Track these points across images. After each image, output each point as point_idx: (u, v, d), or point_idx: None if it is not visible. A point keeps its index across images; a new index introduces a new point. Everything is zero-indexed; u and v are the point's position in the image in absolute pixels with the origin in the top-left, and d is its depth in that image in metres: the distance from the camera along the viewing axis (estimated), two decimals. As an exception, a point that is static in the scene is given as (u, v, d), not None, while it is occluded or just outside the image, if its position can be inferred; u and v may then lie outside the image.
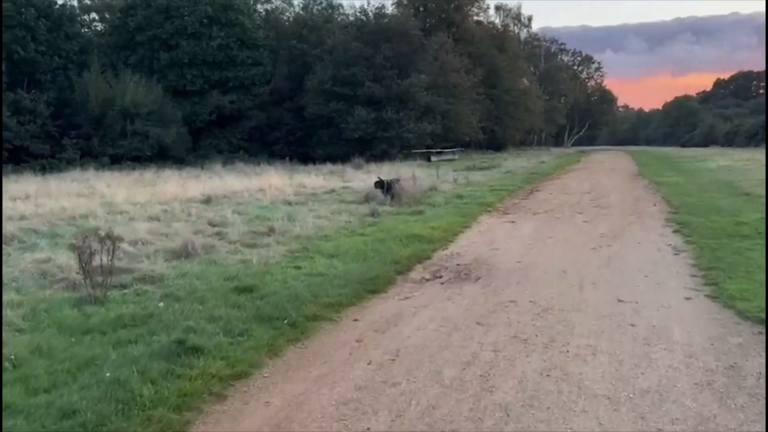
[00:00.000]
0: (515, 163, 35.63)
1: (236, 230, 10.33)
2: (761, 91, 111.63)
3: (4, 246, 9.09)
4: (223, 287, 6.88)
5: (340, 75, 39.57)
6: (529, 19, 68.06)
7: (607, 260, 8.30)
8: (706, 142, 79.20)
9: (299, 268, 7.86)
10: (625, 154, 53.45)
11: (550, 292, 6.79)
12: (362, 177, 24.80)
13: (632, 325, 5.72)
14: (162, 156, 37.52)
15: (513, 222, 11.64)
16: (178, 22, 40.61)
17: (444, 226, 10.88)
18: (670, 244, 9.22)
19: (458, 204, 13.97)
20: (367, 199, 15.09)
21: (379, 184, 15.05)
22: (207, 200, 15.47)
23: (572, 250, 9.06)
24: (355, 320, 5.97)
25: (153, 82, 39.15)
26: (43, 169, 32.81)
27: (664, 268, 7.85)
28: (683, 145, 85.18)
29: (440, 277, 7.69)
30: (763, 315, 5.65)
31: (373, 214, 12.62)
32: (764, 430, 3.80)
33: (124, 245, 9.13)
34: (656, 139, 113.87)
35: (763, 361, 4.74)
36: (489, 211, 13.17)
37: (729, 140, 72.34)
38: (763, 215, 11.17)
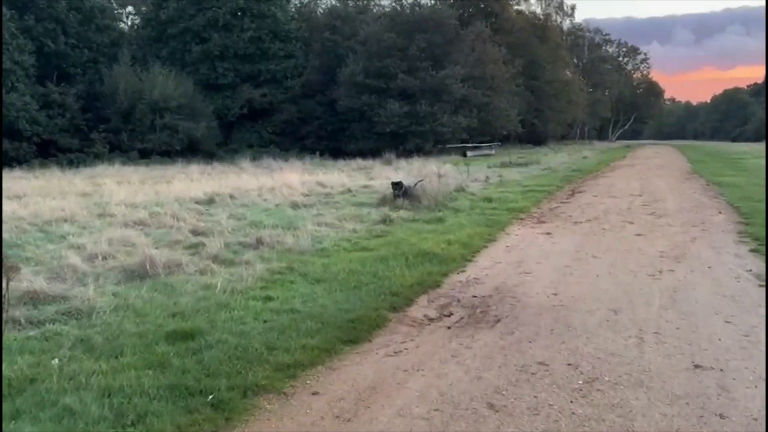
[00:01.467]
0: (555, 158, 33.17)
1: (219, 241, 8.59)
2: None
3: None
4: (157, 331, 5.12)
5: (373, 67, 37.72)
6: (572, 8, 64.78)
7: (671, 294, 6.25)
8: (758, 137, 74.58)
9: (270, 299, 6.06)
10: (673, 149, 50.17)
11: (596, 349, 4.82)
12: (389, 174, 22.91)
13: (721, 416, 3.75)
14: (192, 150, 36.38)
15: (549, 234, 9.60)
16: (210, 14, 39.36)
17: (464, 239, 8.93)
18: (750, 270, 7.09)
19: (485, 209, 11.97)
20: (384, 201, 13.23)
21: (396, 186, 13.14)
22: (209, 201, 13.86)
23: (624, 276, 7.02)
24: (314, 394, 4.13)
25: (183, 76, 38.04)
26: (71, 164, 31.97)
27: (750, 308, 5.77)
28: (734, 140, 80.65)
29: (448, 315, 5.78)
30: None
31: (384, 221, 10.75)
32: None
33: (77, 262, 7.54)
34: (704, 134, 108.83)
35: None
36: (521, 219, 11.14)
37: (785, 135, 67.86)
38: None
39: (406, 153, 38.18)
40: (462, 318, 5.70)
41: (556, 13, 62.03)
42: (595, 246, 8.65)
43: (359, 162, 32.15)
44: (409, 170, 25.83)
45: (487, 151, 42.75)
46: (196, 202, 13.55)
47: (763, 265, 7.41)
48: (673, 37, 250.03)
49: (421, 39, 37.98)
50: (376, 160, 33.47)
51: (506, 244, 8.91)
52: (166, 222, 10.53)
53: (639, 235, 9.36)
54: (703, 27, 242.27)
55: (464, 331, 5.32)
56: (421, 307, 6.01)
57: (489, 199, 13.09)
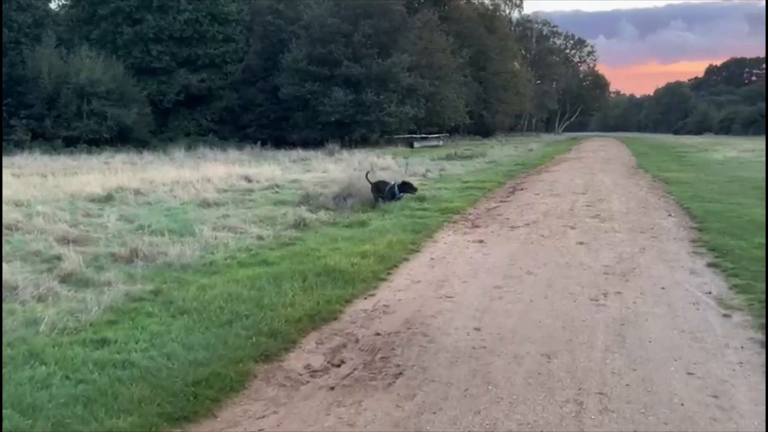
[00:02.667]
0: (501, 151, 32.27)
1: (79, 256, 6.96)
2: (754, 78, 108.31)
3: None
4: None
5: (316, 53, 36.03)
6: (521, -1, 63.98)
7: (618, 330, 5.01)
8: (700, 129, 76.04)
9: (104, 344, 4.54)
10: (618, 141, 50.09)
11: (520, 424, 3.51)
12: (328, 167, 21.42)
13: None
14: (123, 139, 34.04)
15: (481, 242, 8.31)
16: (143, -7, 36.90)
17: (382, 249, 7.54)
18: (710, 293, 5.93)
19: (416, 210, 10.62)
20: (308, 199, 11.76)
21: (375, 188, 11.49)
22: (107, 198, 12.12)
23: (562, 301, 5.76)
24: None
25: (113, 59, 35.52)
26: (-14, 152, 29.30)
27: (716, 350, 4.57)
28: (676, 133, 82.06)
29: (338, 365, 4.39)
30: None
31: (298, 225, 9.30)
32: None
33: None
34: (647, 126, 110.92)
35: None
36: (453, 223, 9.82)
37: (724, 128, 69.25)
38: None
39: (353, 143, 36.74)
40: (355, 369, 4.30)
41: (505, 3, 61.30)
42: (531, 258, 7.40)
43: (300, 153, 30.48)
44: (349, 162, 24.42)
45: (434, 143, 41.68)
46: (91, 200, 11.80)
47: (722, 281, 6.28)
48: (619, 31, 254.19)
49: (367, 25, 36.45)
50: (319, 150, 31.88)
51: (431, 256, 7.57)
52: (36, 226, 8.81)
53: (581, 243, 8.15)
54: (647, 22, 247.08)
55: (351, 394, 3.93)
56: (306, 353, 4.60)
57: (422, 198, 11.74)
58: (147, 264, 7.02)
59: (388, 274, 6.70)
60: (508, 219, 10.05)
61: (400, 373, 4.22)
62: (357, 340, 4.84)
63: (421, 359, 4.45)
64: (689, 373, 4.18)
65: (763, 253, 7.19)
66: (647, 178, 16.78)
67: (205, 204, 11.40)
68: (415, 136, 40.69)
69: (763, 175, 16.42)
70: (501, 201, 12.37)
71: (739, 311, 5.38)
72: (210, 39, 38.54)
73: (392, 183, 11.79)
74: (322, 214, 10.19)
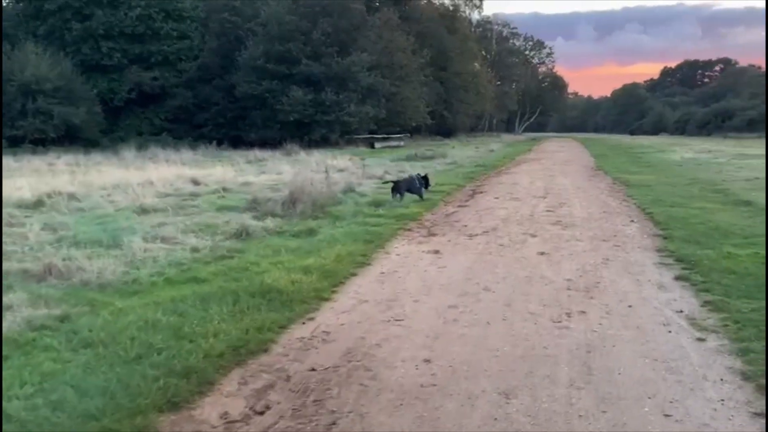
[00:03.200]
0: (462, 152, 31.87)
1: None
2: (706, 80, 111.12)
3: None
4: None
5: (274, 51, 35.08)
6: (480, 0, 63.79)
7: (584, 359, 4.44)
8: (656, 130, 77.35)
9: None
10: (577, 142, 50.37)
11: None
12: (284, 168, 20.60)
13: None
14: (71, 138, 32.50)
15: (437, 253, 7.70)
16: (92, -12, 35.39)
17: (329, 263, 6.88)
18: (681, 311, 5.43)
19: (370, 217, 9.98)
20: (255, 204, 11.01)
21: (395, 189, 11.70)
22: (37, 204, 11.14)
23: (522, 324, 5.18)
24: None
25: (60, 56, 33.95)
26: None
27: (693, 383, 4.04)
28: (632, 133, 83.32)
29: (261, 413, 3.69)
30: None
31: (240, 234, 8.55)
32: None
33: None
34: (605, 127, 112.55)
35: None
36: (409, 231, 9.21)
37: (679, 128, 70.50)
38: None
39: (312, 143, 35.92)
40: (281, 418, 3.62)
41: (465, 4, 61.15)
42: (489, 271, 6.82)
43: (257, 153, 29.48)
44: (306, 163, 23.64)
45: (395, 143, 41.11)
46: (19, 206, 10.80)
47: (692, 297, 5.81)
48: (577, 34, 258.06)
49: (326, 23, 35.67)
50: (277, 151, 30.95)
51: (381, 270, 6.92)
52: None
53: (542, 254, 7.62)
54: (605, 24, 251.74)
55: (271, 453, 3.25)
56: (224, 397, 3.89)
57: (377, 203, 11.11)
58: (61, 282, 6.21)
59: (333, 292, 6.03)
60: (466, 226, 9.47)
61: (334, 423, 3.56)
62: (288, 378, 4.16)
63: (359, 403, 3.79)
64: (666, 415, 3.63)
65: (729, 262, 6.77)
66: (607, 180, 16.49)
67: (143, 210, 10.53)
68: (376, 136, 40.07)
69: (718, 175, 16.29)
70: (459, 206, 11.82)
71: (714, 333, 4.88)
72: (163, 36, 37.25)
73: (413, 176, 12.33)
74: (269, 222, 9.45)
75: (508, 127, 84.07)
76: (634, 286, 6.21)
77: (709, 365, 4.31)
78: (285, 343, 4.74)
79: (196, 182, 14.99)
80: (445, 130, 52.66)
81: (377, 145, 38.56)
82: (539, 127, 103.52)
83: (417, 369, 4.28)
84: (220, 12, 38.93)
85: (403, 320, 5.28)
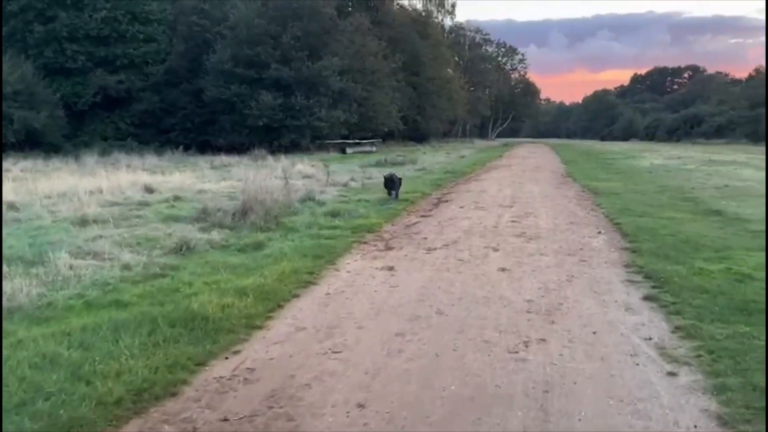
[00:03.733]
0: (433, 157, 31.37)
1: None
2: (675, 86, 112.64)
3: None
4: None
5: (243, 54, 34.27)
6: (453, 5, 63.51)
7: (540, 401, 3.85)
8: (626, 135, 78.00)
9: None
10: (548, 148, 50.31)
11: None
12: (248, 175, 19.79)
13: None
14: (32, 143, 31.29)
15: (391, 270, 7.09)
16: (56, -11, 34.23)
17: (270, 283, 6.22)
18: (649, 338, 4.90)
19: (325, 228, 9.34)
20: (205, 214, 10.29)
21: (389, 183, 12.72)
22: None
23: (474, 356, 4.58)
24: None
25: (21, 58, 32.77)
26: None
27: (663, 429, 3.49)
28: (603, 139, 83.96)
29: (151, 480, 3.05)
30: None
31: (181, 248, 7.85)
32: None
33: None
34: (576, 133, 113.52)
35: None
36: (364, 244, 8.59)
37: (649, 134, 71.12)
38: (764, 252, 7.19)
39: (282, 149, 35.15)
40: (173, 486, 2.98)
41: (438, 10, 60.85)
42: (445, 291, 6.23)
43: (224, 158, 28.64)
44: (273, 168, 22.89)
45: (367, 148, 40.45)
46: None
47: (663, 322, 5.28)
48: (549, 41, 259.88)
49: (296, 27, 34.96)
50: (245, 156, 30.11)
51: (327, 291, 6.28)
52: None
53: (503, 270, 7.06)
54: (576, 31, 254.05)
55: None
56: (110, 458, 3.23)
57: (335, 213, 10.47)
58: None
59: (268, 318, 5.38)
60: (426, 238, 8.88)
61: (236, 494, 2.92)
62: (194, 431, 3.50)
63: (271, 465, 3.16)
64: (632, 476, 3.05)
65: (701, 280, 6.28)
66: (576, 187, 16.07)
67: (83, 222, 9.73)
68: (347, 141, 39.42)
69: (687, 183, 15.99)
70: (423, 215, 11.24)
71: (686, 366, 4.34)
72: (130, 38, 36.18)
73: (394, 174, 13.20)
74: (216, 234, 8.77)
75: (482, 132, 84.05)
76: (600, 308, 5.67)
77: (681, 406, 3.76)
78: (199, 385, 4.07)
79: (149, 190, 14.21)
80: (418, 136, 52.21)
81: (349, 150, 37.92)
82: (512, 132, 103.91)
83: (348, 417, 3.66)
84: (188, 15, 37.99)
85: (341, 352, 4.66)
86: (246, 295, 5.76)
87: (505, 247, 8.20)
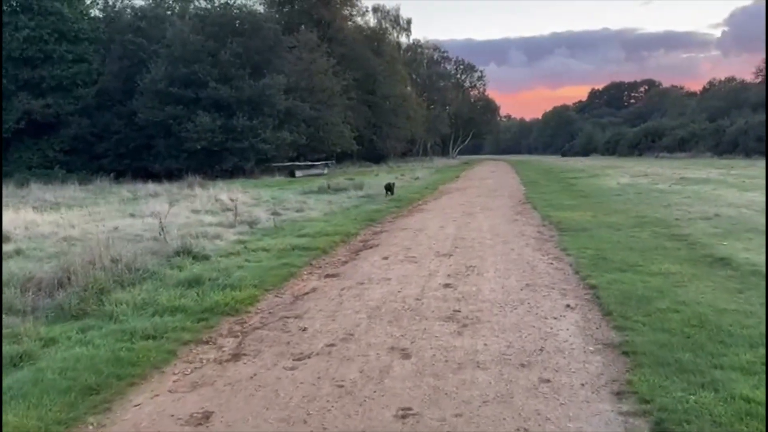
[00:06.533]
0: (385, 180, 28.18)
1: None
2: (632, 101, 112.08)
3: None
4: None
5: (179, 73, 30.85)
6: (408, 22, 60.63)
7: None
8: (586, 151, 76.20)
9: None
10: (509, 167, 47.59)
11: None
12: (164, 209, 16.34)
13: None
14: (-56, 174, 27.25)
15: (205, 421, 3.81)
16: (-32, 6, 30.45)
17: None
18: None
19: (163, 311, 6.01)
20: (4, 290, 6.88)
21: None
22: None
23: None
24: None
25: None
26: None
27: None
28: (564, 154, 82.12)
29: None
30: None
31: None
32: None
33: None
34: (537, 148, 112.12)
35: None
36: (201, 344, 5.28)
37: (610, 149, 69.30)
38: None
39: (225, 173, 31.73)
40: None
41: (393, 27, 58.06)
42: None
43: (151, 187, 25.04)
44: (198, 198, 19.52)
45: (319, 171, 37.16)
46: None
47: None
48: (509, 59, 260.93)
49: (236, 43, 31.71)
50: (175, 183, 26.58)
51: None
52: None
53: (404, 416, 3.83)
54: (534, 49, 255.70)
55: None
56: None
57: (196, 281, 7.13)
58: None
59: None
60: (305, 330, 5.61)
61: None
62: None
63: None
64: None
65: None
66: (535, 219, 13.00)
67: None
68: (297, 164, 36.13)
69: (669, 210, 13.10)
70: (328, 275, 7.99)
71: None
72: (57, 59, 32.49)
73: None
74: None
75: (444, 150, 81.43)
76: None
77: None
78: None
79: (29, 227, 10.77)
80: (375, 156, 49.14)
81: (299, 173, 34.60)
82: (474, 149, 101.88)
83: None
84: (123, 33, 34.47)
85: None
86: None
87: (421, 350, 4.96)
